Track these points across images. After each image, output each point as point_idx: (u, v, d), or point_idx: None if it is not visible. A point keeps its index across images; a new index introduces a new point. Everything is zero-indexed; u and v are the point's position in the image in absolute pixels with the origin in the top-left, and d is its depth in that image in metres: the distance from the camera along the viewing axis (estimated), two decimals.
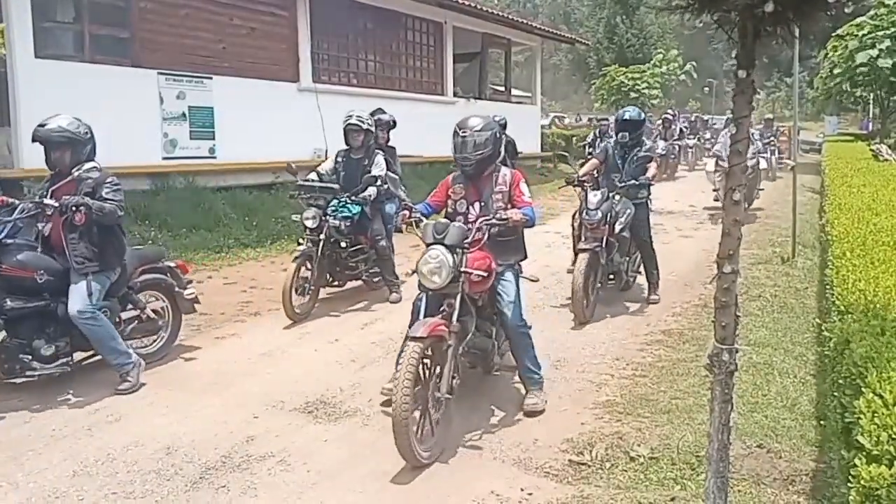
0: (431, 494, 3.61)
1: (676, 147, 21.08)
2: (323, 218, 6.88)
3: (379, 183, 7.07)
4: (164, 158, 10.43)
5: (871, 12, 19.15)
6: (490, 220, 4.41)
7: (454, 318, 4.10)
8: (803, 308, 6.74)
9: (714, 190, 12.84)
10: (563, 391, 5.01)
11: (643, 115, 7.57)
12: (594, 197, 6.73)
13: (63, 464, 3.94)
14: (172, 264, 5.89)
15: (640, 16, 47.52)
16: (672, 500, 3.44)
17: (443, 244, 4.14)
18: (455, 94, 17.39)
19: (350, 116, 7.22)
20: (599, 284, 6.83)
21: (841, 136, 26.00)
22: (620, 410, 4.62)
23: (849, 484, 2.00)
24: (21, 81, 8.74)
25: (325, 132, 7.38)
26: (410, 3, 15.17)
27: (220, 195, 10.83)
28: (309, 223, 6.83)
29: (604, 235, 6.68)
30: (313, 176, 7.26)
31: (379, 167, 7.10)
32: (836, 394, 2.69)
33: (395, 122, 8.35)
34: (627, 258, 7.31)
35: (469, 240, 4.28)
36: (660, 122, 22.26)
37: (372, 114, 7.68)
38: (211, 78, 10.96)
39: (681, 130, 22.59)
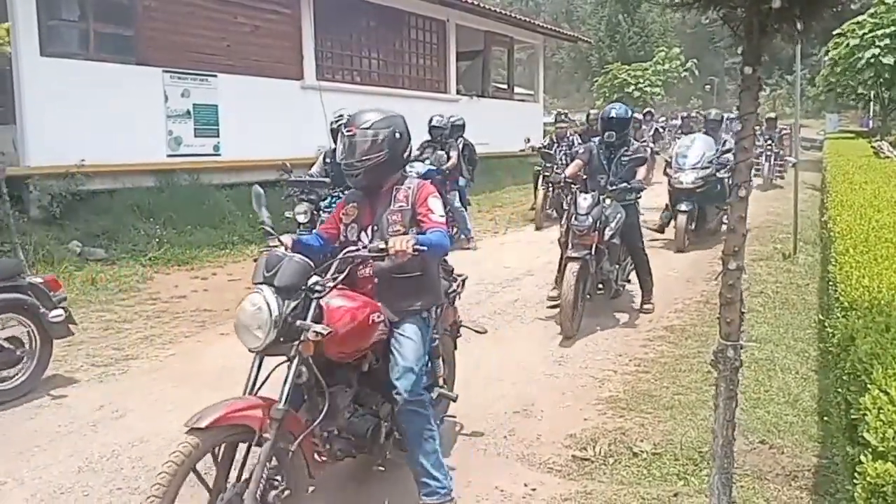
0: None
1: (648, 151, 19.32)
2: (315, 213, 6.85)
3: None
4: (169, 156, 10.45)
5: (871, 10, 19.15)
6: (356, 252, 3.25)
7: (284, 396, 2.87)
8: (805, 304, 6.75)
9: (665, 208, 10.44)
10: (566, 387, 5.03)
11: (630, 112, 7.08)
12: (584, 201, 6.23)
13: (68, 460, 3.97)
14: (38, 280, 4.97)
15: (642, 14, 47.55)
16: (675, 495, 3.45)
17: (272, 285, 2.95)
18: (458, 92, 17.40)
19: (342, 116, 7.22)
20: (588, 296, 6.40)
21: (842, 133, 26.00)
22: (623, 406, 4.63)
23: (854, 481, 2.01)
24: (26, 79, 8.76)
25: (328, 130, 7.44)
26: (414, 2, 15.18)
27: (224, 192, 10.85)
28: (301, 217, 6.79)
29: (593, 243, 6.19)
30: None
31: None
32: (840, 390, 2.70)
33: None
34: (618, 266, 6.80)
35: (326, 278, 3.10)
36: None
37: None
38: (215, 76, 10.97)
39: (656, 131, 20.74)
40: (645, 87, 36.12)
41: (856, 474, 2.00)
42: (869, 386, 2.23)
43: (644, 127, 18.76)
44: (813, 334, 5.82)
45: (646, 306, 6.91)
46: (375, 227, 3.41)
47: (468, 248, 10.03)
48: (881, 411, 2.06)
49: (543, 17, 47.03)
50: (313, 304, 2.99)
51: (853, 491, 2.03)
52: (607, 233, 6.33)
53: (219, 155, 11.13)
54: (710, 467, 2.75)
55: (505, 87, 21.78)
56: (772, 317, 6.38)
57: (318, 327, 2.92)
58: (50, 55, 9.04)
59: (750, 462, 3.75)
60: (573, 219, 6.23)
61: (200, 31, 10.93)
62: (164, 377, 5.27)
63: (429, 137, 9.93)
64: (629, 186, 6.45)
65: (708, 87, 49.78)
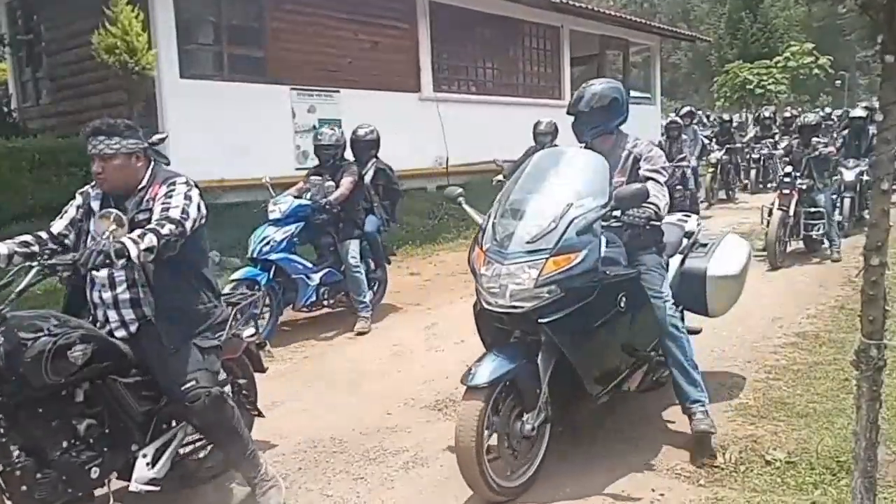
0: (560, 492, 3.64)
1: (683, 171, 11.37)
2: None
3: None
4: (297, 169, 10.95)
5: None
6: None
7: None
8: None
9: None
10: None
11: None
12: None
13: None
14: None
15: (765, 9, 45.66)
16: None
17: None
18: None
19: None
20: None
21: None
22: (754, 413, 4.49)
23: None
24: (168, 99, 9.45)
25: (445, 141, 7.54)
26: (527, 10, 15.24)
27: None
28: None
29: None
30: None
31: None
32: None
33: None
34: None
35: None
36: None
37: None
38: (338, 91, 11.42)
39: (675, 138, 12.54)
40: (769, 85, 34.72)
41: None
42: None
43: (683, 136, 12.30)
44: None
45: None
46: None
47: (356, 333, 6.61)
48: None
49: (659, 18, 46.05)
50: None
51: None
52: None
53: None
54: (849, 477, 2.66)
55: None
56: None
57: None
58: (188, 77, 9.71)
59: (893, 473, 3.56)
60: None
61: (324, 49, 11.43)
62: (301, 378, 5.54)
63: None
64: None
65: (838, 82, 47.16)
